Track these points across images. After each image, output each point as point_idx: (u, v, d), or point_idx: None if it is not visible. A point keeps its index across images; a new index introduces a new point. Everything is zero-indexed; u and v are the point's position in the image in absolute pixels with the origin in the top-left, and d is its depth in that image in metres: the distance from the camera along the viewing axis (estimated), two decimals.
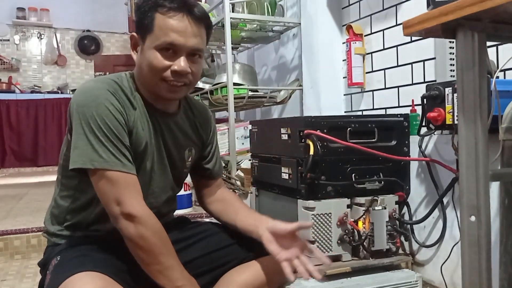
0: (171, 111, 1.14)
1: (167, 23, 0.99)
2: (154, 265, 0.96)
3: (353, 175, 1.47)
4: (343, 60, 2.19)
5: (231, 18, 2.18)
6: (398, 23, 1.83)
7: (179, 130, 1.16)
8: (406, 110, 1.69)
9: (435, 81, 1.61)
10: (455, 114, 1.31)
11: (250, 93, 2.32)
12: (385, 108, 1.92)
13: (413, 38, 1.74)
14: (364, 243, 1.43)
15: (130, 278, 1.02)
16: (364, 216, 1.44)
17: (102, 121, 0.97)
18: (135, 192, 0.98)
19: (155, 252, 0.96)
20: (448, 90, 1.34)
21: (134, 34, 1.06)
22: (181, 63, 1.01)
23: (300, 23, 2.36)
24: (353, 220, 1.44)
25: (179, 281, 0.97)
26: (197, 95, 2.53)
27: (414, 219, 1.63)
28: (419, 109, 1.52)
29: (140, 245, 0.96)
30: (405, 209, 1.63)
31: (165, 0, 1.00)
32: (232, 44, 2.27)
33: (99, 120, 0.96)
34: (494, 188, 1.11)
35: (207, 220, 1.88)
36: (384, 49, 1.92)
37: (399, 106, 1.84)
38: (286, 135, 1.53)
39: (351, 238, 1.42)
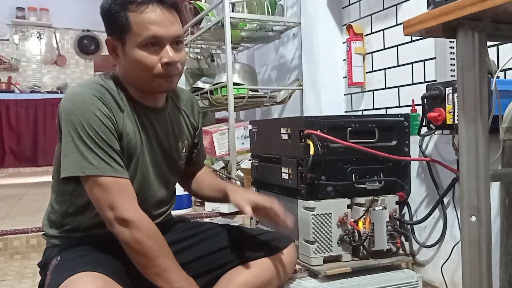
0: (160, 106, 1.13)
1: (143, 17, 0.97)
2: (152, 268, 0.96)
3: (353, 175, 1.47)
4: (343, 60, 2.19)
5: (231, 17, 2.17)
6: (398, 22, 1.83)
7: (171, 123, 1.16)
8: (407, 110, 1.69)
9: (435, 81, 1.60)
10: (456, 114, 1.31)
11: (250, 93, 2.32)
12: (386, 108, 1.92)
13: (414, 38, 1.73)
14: (365, 243, 1.43)
15: (129, 278, 1.02)
16: (364, 216, 1.43)
17: (89, 127, 0.96)
18: (128, 196, 0.98)
19: (151, 255, 0.96)
20: (448, 90, 1.34)
21: (109, 38, 1.04)
22: (169, 53, 1.00)
23: (300, 23, 2.36)
24: (353, 220, 1.44)
25: (177, 283, 0.97)
26: (197, 95, 2.52)
27: (414, 219, 1.62)
28: (419, 109, 1.51)
29: (136, 249, 0.96)
30: (405, 209, 1.63)
31: None
32: (232, 44, 2.26)
33: (86, 126, 0.96)
34: (495, 188, 1.11)
35: (207, 220, 1.88)
36: (384, 48, 1.92)
37: (399, 106, 1.83)
38: (286, 135, 1.53)
39: (351, 238, 1.42)
